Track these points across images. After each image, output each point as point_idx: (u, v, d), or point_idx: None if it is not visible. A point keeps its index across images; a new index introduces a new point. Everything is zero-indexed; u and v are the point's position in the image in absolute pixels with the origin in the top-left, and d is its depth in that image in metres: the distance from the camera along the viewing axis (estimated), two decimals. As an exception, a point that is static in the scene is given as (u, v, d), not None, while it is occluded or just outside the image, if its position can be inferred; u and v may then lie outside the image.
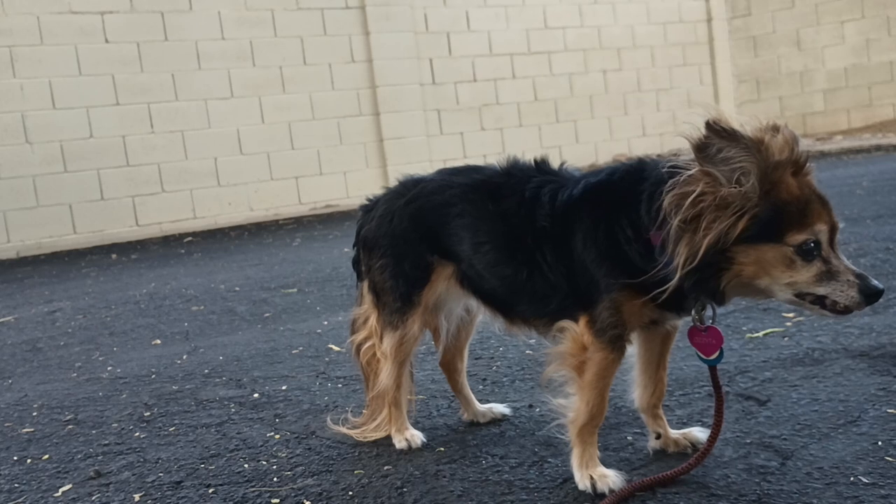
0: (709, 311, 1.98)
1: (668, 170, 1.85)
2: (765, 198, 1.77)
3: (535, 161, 2.23)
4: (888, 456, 2.02)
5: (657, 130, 13.43)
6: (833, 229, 1.81)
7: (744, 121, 1.82)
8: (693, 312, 1.96)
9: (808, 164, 1.84)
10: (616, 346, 1.99)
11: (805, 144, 1.99)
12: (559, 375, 2.08)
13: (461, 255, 2.26)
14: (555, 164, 2.23)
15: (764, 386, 2.62)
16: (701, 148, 1.77)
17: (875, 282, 1.78)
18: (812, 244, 1.77)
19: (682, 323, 2.11)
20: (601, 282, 1.97)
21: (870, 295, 1.77)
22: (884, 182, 7.66)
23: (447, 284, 2.33)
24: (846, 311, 1.80)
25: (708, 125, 1.75)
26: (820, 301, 1.81)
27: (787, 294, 1.82)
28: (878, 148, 11.37)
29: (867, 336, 3.00)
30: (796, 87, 13.95)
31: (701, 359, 2.04)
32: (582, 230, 2.01)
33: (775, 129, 1.84)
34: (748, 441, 2.20)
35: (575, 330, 2.03)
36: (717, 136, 1.75)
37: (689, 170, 1.80)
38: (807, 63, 13.80)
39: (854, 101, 13.53)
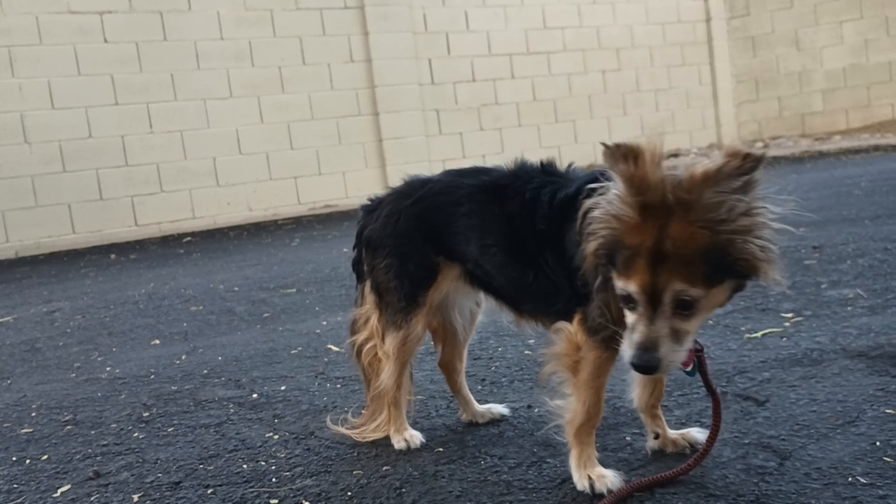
0: None
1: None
2: (612, 232, 1.75)
3: (542, 163, 2.23)
4: (886, 456, 2.02)
5: (656, 130, 13.44)
6: (654, 292, 1.70)
7: (744, 140, 1.79)
8: None
9: (708, 213, 1.65)
10: (609, 345, 1.98)
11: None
12: (555, 376, 2.09)
13: (467, 256, 2.27)
14: (562, 165, 2.23)
15: (762, 386, 2.62)
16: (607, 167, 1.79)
17: (637, 359, 1.72)
18: (625, 295, 1.76)
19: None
20: (592, 281, 1.97)
21: (630, 363, 1.76)
22: (882, 182, 7.66)
23: (455, 285, 2.34)
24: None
25: (605, 148, 1.74)
26: None
27: None
28: (877, 148, 11.37)
29: (865, 336, 3.00)
30: (795, 87, 13.95)
31: (681, 370, 2.03)
32: (572, 229, 2.00)
33: (732, 155, 1.66)
34: (746, 441, 2.20)
35: (569, 330, 2.03)
36: (609, 159, 1.74)
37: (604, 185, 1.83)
38: (805, 63, 13.81)
39: (852, 101, 13.54)
